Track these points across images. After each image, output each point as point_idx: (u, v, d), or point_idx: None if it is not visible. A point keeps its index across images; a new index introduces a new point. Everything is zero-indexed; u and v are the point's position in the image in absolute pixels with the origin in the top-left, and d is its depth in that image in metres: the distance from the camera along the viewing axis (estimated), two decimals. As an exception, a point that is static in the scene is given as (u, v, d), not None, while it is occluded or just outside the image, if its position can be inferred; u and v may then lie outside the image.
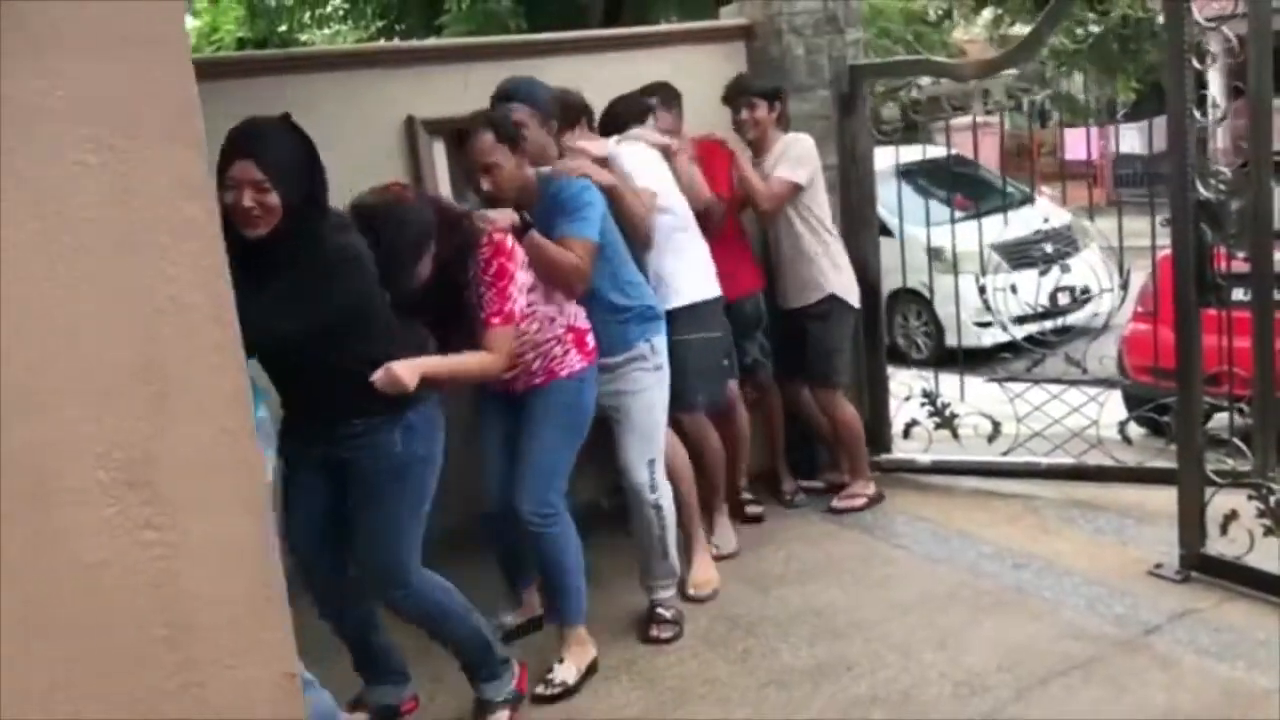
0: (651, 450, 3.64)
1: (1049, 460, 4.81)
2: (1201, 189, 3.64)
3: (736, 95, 4.61)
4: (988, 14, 17.27)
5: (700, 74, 4.93)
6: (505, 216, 3.30)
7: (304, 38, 11.04)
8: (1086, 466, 4.72)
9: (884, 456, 5.12)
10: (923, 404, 5.10)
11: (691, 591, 3.98)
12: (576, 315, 3.48)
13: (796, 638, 3.59)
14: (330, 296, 2.71)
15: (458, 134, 3.63)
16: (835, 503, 4.75)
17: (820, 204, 4.63)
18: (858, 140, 4.99)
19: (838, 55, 4.95)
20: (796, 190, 4.52)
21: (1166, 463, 4.48)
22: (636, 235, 3.80)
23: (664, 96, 4.46)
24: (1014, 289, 5.03)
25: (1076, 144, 12.72)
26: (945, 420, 5.06)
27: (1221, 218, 3.65)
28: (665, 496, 3.70)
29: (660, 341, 3.70)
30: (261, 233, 2.63)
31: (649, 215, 3.87)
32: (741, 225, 4.74)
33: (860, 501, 4.75)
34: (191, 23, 15.06)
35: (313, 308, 2.68)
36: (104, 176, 1.11)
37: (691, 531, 4.07)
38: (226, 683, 1.22)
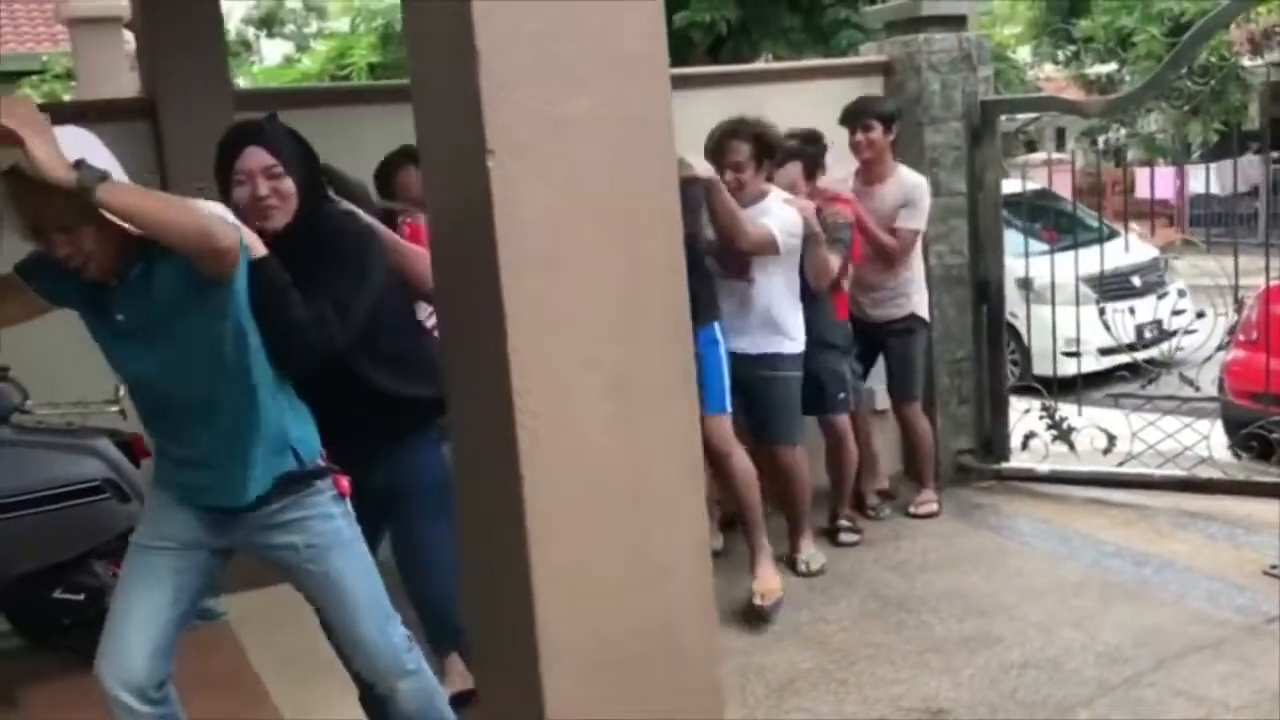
0: None
1: (1161, 472, 5.15)
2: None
3: (856, 115, 4.90)
4: (1062, 54, 17.57)
5: (841, 106, 5.38)
6: None
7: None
8: (1197, 479, 5.06)
9: (1003, 465, 5.48)
10: (1041, 417, 5.47)
11: (758, 601, 4.02)
12: None
13: (945, 614, 3.98)
14: (365, 290, 2.56)
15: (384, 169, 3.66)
16: (913, 509, 5.07)
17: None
18: (986, 169, 5.39)
19: (970, 90, 5.37)
20: (919, 237, 4.88)
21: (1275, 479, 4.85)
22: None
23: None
24: (1132, 311, 5.39)
25: (1151, 184, 12.96)
26: (1062, 433, 5.42)
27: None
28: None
29: None
30: (279, 224, 2.53)
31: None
32: None
33: (935, 507, 5.07)
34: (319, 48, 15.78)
35: (360, 299, 2.54)
36: (614, 168, 1.56)
37: (755, 542, 4.16)
38: (665, 540, 1.65)
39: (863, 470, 5.12)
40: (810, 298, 4.42)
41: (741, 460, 4.09)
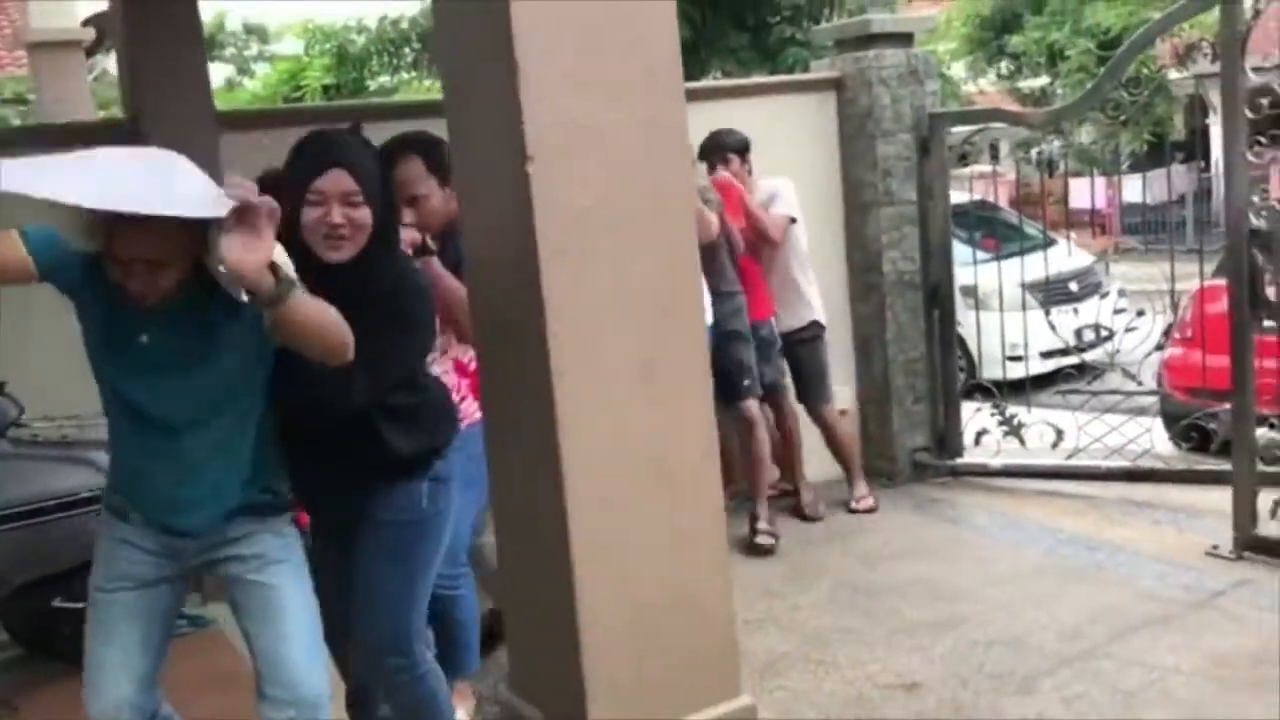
0: None
1: (1108, 464, 5.40)
2: (1254, 219, 4.28)
3: (711, 152, 5.08)
4: (1004, 68, 18.01)
5: (796, 120, 5.65)
6: (407, 234, 2.93)
7: (372, 85, 11.77)
8: (1142, 469, 5.32)
9: (958, 461, 5.72)
10: (992, 414, 5.71)
11: None
12: (468, 354, 2.97)
13: (912, 599, 4.18)
14: (414, 345, 2.42)
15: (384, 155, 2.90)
16: (853, 505, 5.27)
17: (803, 240, 5.20)
18: (935, 179, 5.64)
19: (918, 104, 5.62)
20: (791, 223, 5.08)
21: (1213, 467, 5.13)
22: None
23: None
24: (1076, 312, 5.67)
25: (1086, 193, 13.41)
26: (1013, 429, 5.66)
27: (1272, 246, 4.28)
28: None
29: None
30: (345, 257, 2.35)
31: None
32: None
33: (873, 501, 5.29)
34: (266, 71, 15.79)
35: (397, 360, 2.38)
36: (641, 172, 1.74)
37: None
38: (688, 510, 1.83)
39: (793, 472, 5.29)
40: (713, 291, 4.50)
41: None
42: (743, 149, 5.10)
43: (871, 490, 5.36)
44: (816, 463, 5.41)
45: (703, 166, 4.96)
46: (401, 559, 2.58)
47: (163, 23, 4.22)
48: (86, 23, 8.91)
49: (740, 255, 4.94)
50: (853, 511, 5.24)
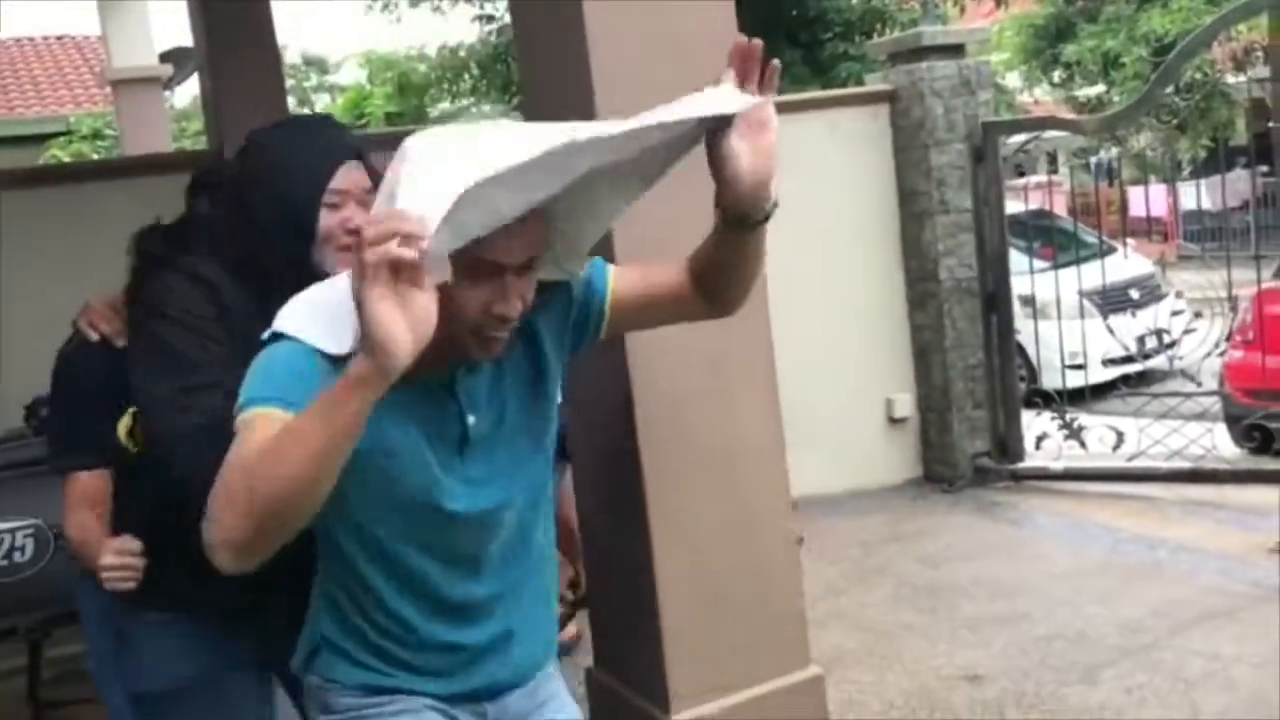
0: None
1: (1170, 465, 5.44)
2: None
3: None
4: (1057, 76, 17.95)
5: (849, 133, 5.75)
6: None
7: (433, 112, 12.09)
8: (1204, 470, 5.35)
9: (1019, 465, 5.78)
10: (1053, 418, 5.77)
11: None
12: None
13: (974, 597, 4.27)
14: None
15: None
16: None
17: None
18: (989, 186, 5.73)
19: (971, 114, 5.72)
20: None
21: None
22: None
23: None
24: (1134, 315, 5.69)
25: (1143, 201, 13.22)
26: (1073, 433, 5.72)
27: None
28: None
29: None
30: None
31: None
32: None
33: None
34: (327, 102, 16.22)
35: None
36: (702, 192, 1.88)
37: None
38: (755, 493, 1.96)
39: None
40: None
41: None
42: None
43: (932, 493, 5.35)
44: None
45: None
46: None
47: (245, 55, 4.45)
48: (164, 58, 9.30)
49: None
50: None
